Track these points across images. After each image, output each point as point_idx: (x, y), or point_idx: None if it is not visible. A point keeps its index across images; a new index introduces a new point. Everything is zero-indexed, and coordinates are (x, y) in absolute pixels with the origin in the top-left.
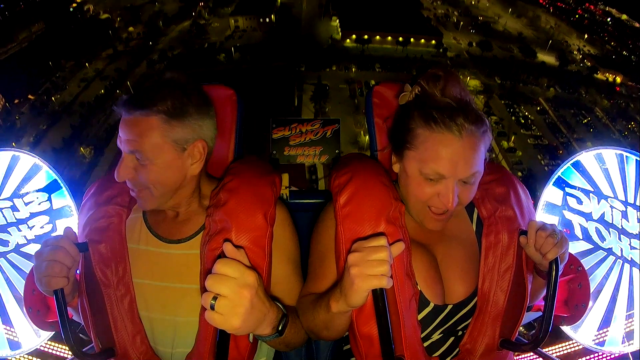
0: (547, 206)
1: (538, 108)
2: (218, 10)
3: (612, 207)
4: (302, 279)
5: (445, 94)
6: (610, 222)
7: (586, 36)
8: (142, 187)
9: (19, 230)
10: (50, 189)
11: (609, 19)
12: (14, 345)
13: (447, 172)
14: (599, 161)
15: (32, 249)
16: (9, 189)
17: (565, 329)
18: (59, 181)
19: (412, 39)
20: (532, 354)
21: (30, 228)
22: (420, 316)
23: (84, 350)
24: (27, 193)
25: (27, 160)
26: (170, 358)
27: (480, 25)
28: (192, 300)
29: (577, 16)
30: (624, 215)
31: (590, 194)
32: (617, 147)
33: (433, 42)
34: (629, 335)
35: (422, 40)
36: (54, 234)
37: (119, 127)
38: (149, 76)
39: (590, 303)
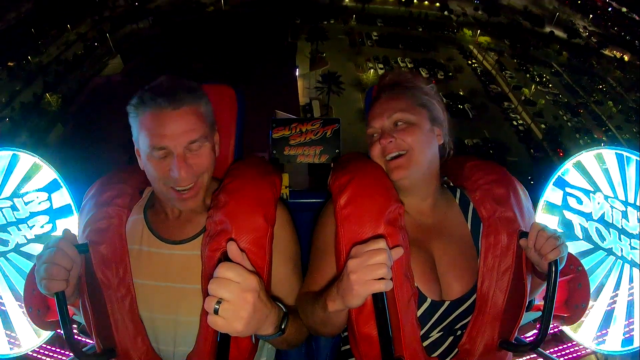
0: (547, 206)
1: (552, 70)
2: None
3: (612, 207)
4: (302, 279)
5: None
6: (610, 222)
7: (591, 16)
8: (194, 180)
9: (19, 229)
10: (51, 188)
11: (609, 9)
12: (14, 344)
13: (373, 122)
14: (599, 161)
15: (32, 248)
16: (8, 189)
17: (565, 329)
18: (59, 180)
19: (415, 0)
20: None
21: (30, 227)
22: (418, 312)
23: (84, 350)
24: (27, 192)
25: (27, 159)
26: (172, 357)
27: None
28: (194, 300)
29: (579, 2)
30: (624, 215)
31: (590, 194)
32: (617, 147)
33: (437, 4)
34: (628, 335)
35: (426, 2)
36: (54, 234)
37: (164, 127)
38: (132, 35)
39: (590, 303)
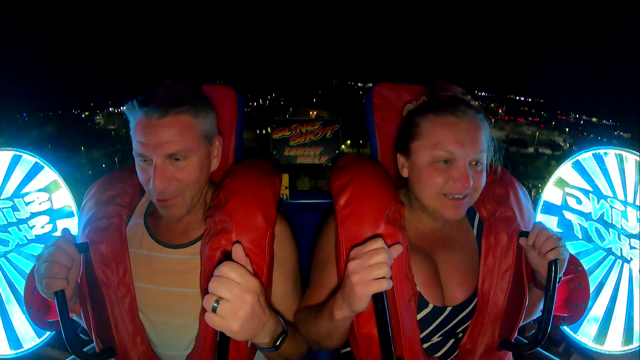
0: (547, 206)
1: (546, 180)
2: None
3: (611, 207)
4: (301, 296)
5: (446, 91)
6: (610, 222)
7: (567, 129)
8: (177, 193)
9: (20, 230)
10: (51, 188)
11: (581, 122)
12: (14, 344)
13: (457, 149)
14: (598, 161)
15: (33, 248)
16: (9, 189)
17: (565, 329)
18: (60, 181)
19: None
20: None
21: (31, 228)
22: (419, 316)
23: (84, 350)
24: (27, 193)
25: (28, 160)
26: (170, 359)
27: None
28: (193, 303)
29: (553, 123)
30: (624, 215)
31: (590, 194)
32: (617, 147)
33: None
34: (628, 335)
35: None
36: (54, 234)
37: (148, 136)
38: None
39: (590, 303)
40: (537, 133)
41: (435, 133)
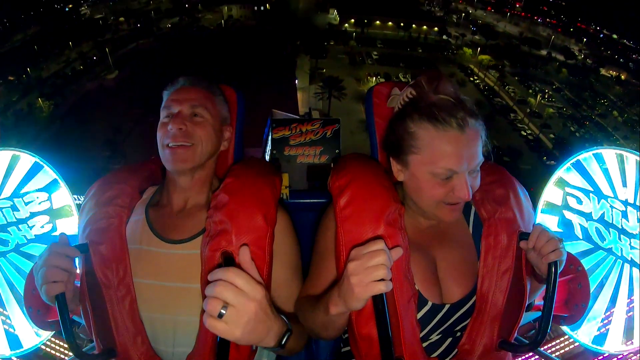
0: (547, 206)
1: (553, 87)
2: (211, 6)
3: (612, 207)
4: (303, 283)
5: (439, 93)
6: (610, 222)
7: (585, 40)
8: (191, 139)
9: (19, 229)
10: (51, 188)
11: (601, 35)
12: (14, 344)
13: (458, 168)
14: (599, 161)
15: (32, 248)
16: (9, 189)
17: (565, 329)
18: (59, 180)
19: (414, 25)
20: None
21: (31, 228)
22: (418, 315)
23: (84, 350)
24: (27, 192)
25: (27, 159)
26: (171, 357)
27: (481, 26)
28: (193, 299)
29: (572, 29)
30: (624, 215)
31: (590, 194)
32: (617, 147)
33: (436, 29)
34: (628, 335)
35: (424, 27)
36: (54, 234)
37: (177, 94)
38: (133, 54)
39: (590, 303)
40: (553, 37)
41: (435, 149)
